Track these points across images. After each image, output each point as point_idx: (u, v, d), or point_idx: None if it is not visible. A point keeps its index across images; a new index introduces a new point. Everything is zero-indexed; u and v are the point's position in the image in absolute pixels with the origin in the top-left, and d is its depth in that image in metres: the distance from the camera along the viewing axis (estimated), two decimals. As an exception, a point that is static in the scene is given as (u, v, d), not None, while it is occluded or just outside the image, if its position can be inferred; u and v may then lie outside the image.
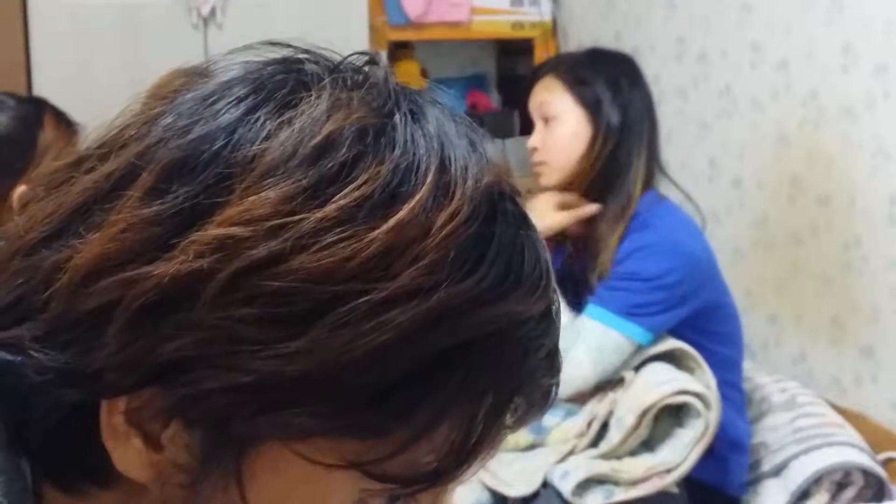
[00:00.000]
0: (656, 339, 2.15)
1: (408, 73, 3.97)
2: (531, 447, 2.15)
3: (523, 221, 0.60)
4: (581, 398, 2.15)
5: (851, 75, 2.70)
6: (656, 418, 2.08)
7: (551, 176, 2.26)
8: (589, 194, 2.25)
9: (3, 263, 0.60)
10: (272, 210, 0.54)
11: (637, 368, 2.14)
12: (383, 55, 3.83)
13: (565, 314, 2.12)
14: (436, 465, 0.58)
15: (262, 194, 0.54)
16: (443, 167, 0.56)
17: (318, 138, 0.56)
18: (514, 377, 0.58)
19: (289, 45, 0.62)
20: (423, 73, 4.07)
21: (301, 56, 0.62)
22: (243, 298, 0.53)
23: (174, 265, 0.54)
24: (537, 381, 0.60)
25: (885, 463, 2.43)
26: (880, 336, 2.65)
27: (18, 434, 0.60)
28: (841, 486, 2.27)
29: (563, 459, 2.10)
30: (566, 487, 2.03)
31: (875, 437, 2.49)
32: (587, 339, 2.10)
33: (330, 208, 0.54)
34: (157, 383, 0.55)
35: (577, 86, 2.25)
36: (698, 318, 2.19)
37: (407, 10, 3.81)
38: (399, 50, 3.97)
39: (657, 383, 2.08)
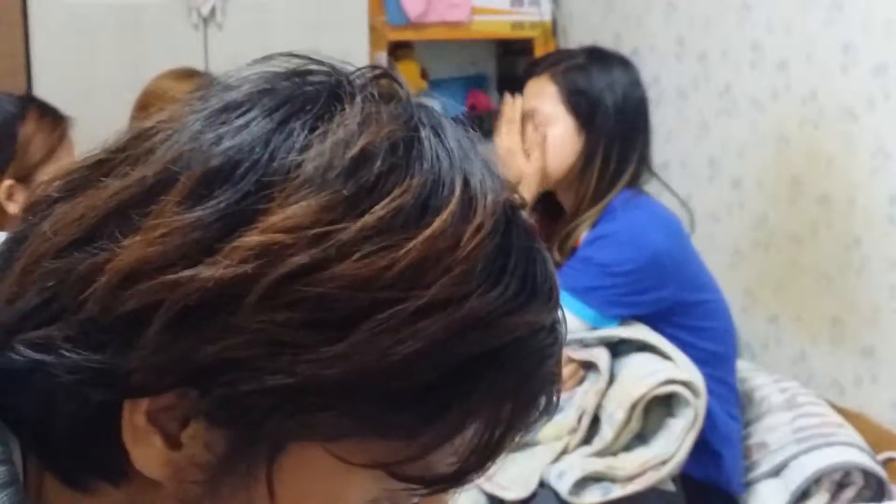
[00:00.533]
0: (610, 322, 2.17)
1: (408, 73, 3.97)
2: (525, 445, 2.15)
3: (532, 235, 0.63)
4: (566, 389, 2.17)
5: (851, 75, 2.70)
6: (647, 410, 2.09)
7: (532, 180, 2.26)
8: (568, 195, 2.28)
9: (30, 265, 0.60)
10: (314, 218, 0.56)
11: (617, 357, 2.15)
12: (383, 56, 3.84)
13: None
14: (457, 467, 0.60)
15: (304, 203, 0.56)
16: (466, 182, 0.59)
17: (355, 150, 0.58)
18: (531, 384, 0.61)
19: (309, 58, 0.64)
20: (423, 73, 4.07)
21: (324, 69, 0.64)
22: (286, 303, 0.55)
23: (218, 269, 0.55)
24: (549, 387, 0.62)
25: (885, 463, 2.43)
26: (880, 336, 2.65)
27: (36, 432, 0.61)
28: (841, 486, 2.27)
29: (557, 459, 2.10)
30: (563, 487, 2.03)
31: (875, 437, 2.49)
32: None
33: (368, 218, 0.56)
34: (190, 384, 0.57)
35: (573, 95, 2.25)
36: (673, 314, 2.20)
37: (407, 10, 3.81)
38: (399, 50, 3.97)
39: (643, 375, 2.09)
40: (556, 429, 2.14)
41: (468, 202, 0.59)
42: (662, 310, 2.19)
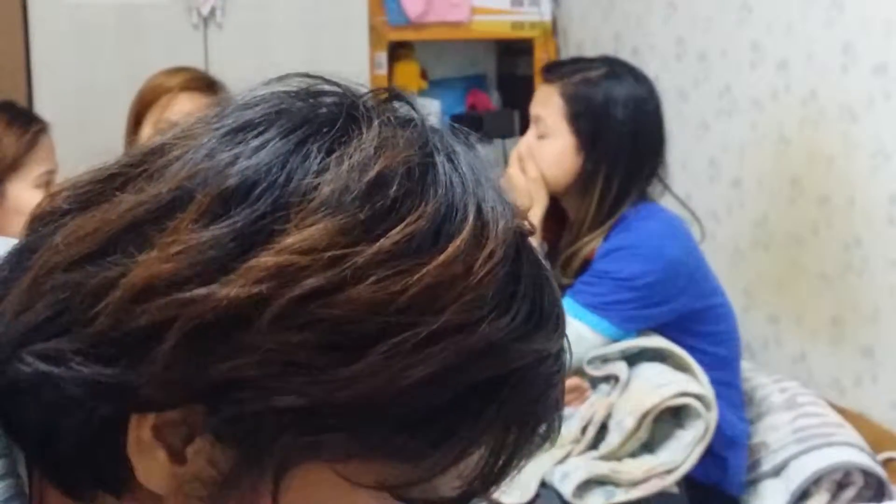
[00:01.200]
0: (628, 335, 2.16)
1: (408, 73, 3.97)
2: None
3: (540, 262, 0.63)
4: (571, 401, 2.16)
5: (851, 75, 2.70)
6: (655, 420, 2.09)
7: (536, 190, 2.25)
8: (571, 205, 2.27)
9: (41, 276, 0.60)
10: (330, 241, 0.56)
11: (631, 366, 2.14)
12: (383, 56, 3.84)
13: None
14: (461, 491, 0.61)
15: (320, 225, 0.57)
16: (479, 208, 0.60)
17: (371, 175, 0.58)
18: (536, 410, 0.62)
19: (323, 78, 0.65)
20: (423, 74, 4.07)
21: (337, 90, 0.64)
22: (300, 324, 0.55)
23: (233, 289, 0.56)
24: (551, 414, 0.64)
25: (885, 463, 2.43)
26: (880, 336, 2.65)
27: (40, 443, 0.61)
28: (841, 486, 2.27)
29: (560, 462, 2.10)
30: (567, 489, 2.03)
31: (875, 437, 2.49)
32: None
33: (384, 243, 0.57)
34: (199, 401, 0.57)
35: (578, 116, 2.22)
36: (686, 321, 2.20)
37: (407, 10, 3.81)
38: (399, 50, 3.97)
39: (656, 385, 2.09)
40: (559, 438, 2.14)
41: (481, 229, 0.59)
42: (675, 318, 2.19)
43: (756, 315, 3.00)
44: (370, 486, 0.58)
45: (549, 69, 2.36)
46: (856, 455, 2.27)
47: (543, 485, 2.08)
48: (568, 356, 0.64)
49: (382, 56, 3.85)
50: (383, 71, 3.86)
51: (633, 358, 2.17)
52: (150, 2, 3.41)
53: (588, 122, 2.22)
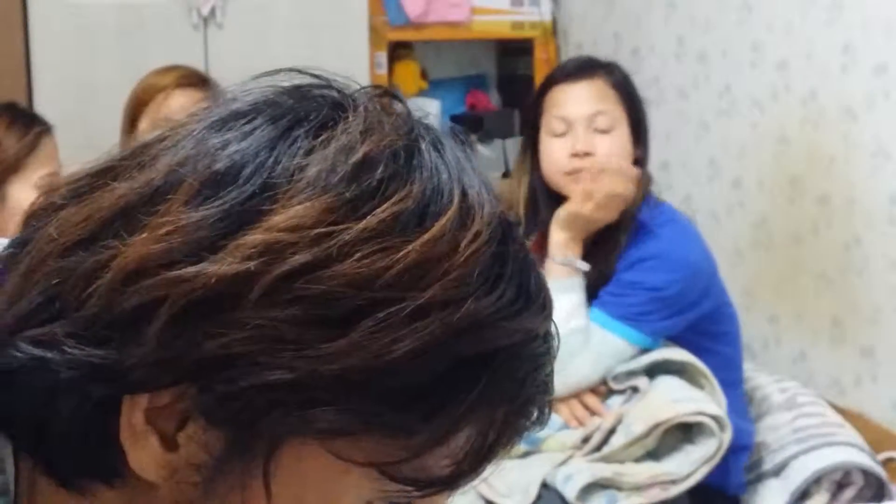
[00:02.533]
0: (657, 343, 2.17)
1: (408, 73, 3.98)
2: (526, 454, 2.15)
3: (527, 248, 0.65)
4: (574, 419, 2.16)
5: (851, 75, 2.70)
6: (665, 432, 2.09)
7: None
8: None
9: (34, 265, 0.61)
10: (317, 219, 0.58)
11: (650, 378, 2.15)
12: (383, 56, 3.84)
13: (580, 318, 2.14)
14: (451, 469, 0.62)
15: (307, 204, 0.58)
16: (464, 192, 0.61)
17: (357, 156, 0.60)
18: (524, 390, 0.62)
19: (314, 74, 0.67)
20: (423, 74, 4.07)
21: (327, 84, 0.66)
22: (288, 300, 0.57)
23: (222, 266, 0.57)
24: (542, 396, 0.64)
25: (885, 463, 2.43)
26: (880, 336, 2.65)
27: (32, 432, 0.62)
28: (841, 486, 2.27)
29: (562, 464, 2.10)
30: (570, 491, 2.02)
31: (875, 437, 2.49)
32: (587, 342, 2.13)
33: (370, 221, 0.58)
34: (191, 380, 0.58)
35: (630, 107, 2.23)
36: (701, 321, 2.21)
37: (407, 10, 3.81)
38: (399, 50, 3.97)
39: (673, 400, 2.09)
40: (559, 444, 2.14)
41: (466, 211, 0.61)
42: (696, 319, 2.20)
43: (756, 315, 3.01)
44: (360, 464, 0.59)
45: (583, 67, 2.30)
46: (856, 455, 2.27)
47: (545, 486, 2.08)
48: (556, 341, 0.65)
49: (382, 56, 3.86)
50: (383, 71, 3.87)
51: (653, 370, 2.17)
52: (151, 2, 3.41)
53: (636, 109, 2.24)
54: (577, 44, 3.90)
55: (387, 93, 0.67)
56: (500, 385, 0.60)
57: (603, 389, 2.18)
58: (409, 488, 0.61)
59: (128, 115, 2.51)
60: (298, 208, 0.58)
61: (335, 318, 0.57)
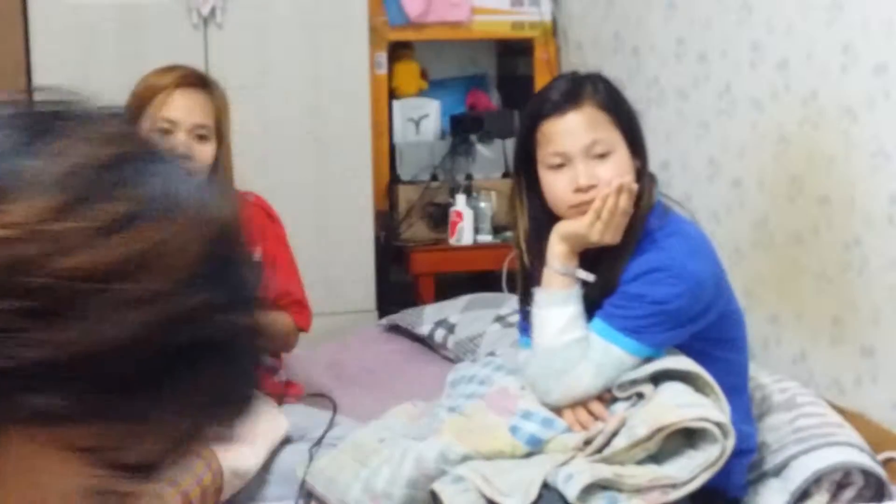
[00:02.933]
0: (661, 353, 2.16)
1: (408, 73, 3.98)
2: (528, 455, 2.15)
3: (244, 251, 0.70)
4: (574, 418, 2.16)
5: (851, 75, 2.70)
6: (667, 436, 2.08)
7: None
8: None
9: None
10: (37, 218, 0.62)
11: (655, 384, 2.15)
12: (383, 55, 3.83)
13: (576, 330, 2.13)
14: (161, 456, 0.66)
15: (26, 203, 0.63)
16: (178, 195, 0.66)
17: (75, 160, 0.65)
18: (231, 382, 0.67)
19: (53, 91, 0.71)
20: (423, 74, 4.07)
21: (53, 97, 0.71)
22: (4, 292, 0.61)
23: None
24: (245, 389, 0.69)
25: (885, 463, 2.43)
26: (880, 336, 2.65)
27: None
28: (841, 486, 2.27)
29: (563, 464, 2.10)
30: (571, 492, 2.02)
31: (875, 437, 2.49)
32: (588, 353, 2.12)
33: (86, 221, 0.63)
34: None
35: (622, 124, 2.19)
36: (706, 329, 2.20)
37: (407, 10, 3.81)
38: (399, 50, 3.97)
39: (677, 405, 2.08)
40: (561, 445, 2.14)
41: (184, 213, 0.65)
42: (702, 328, 2.19)
43: (756, 315, 3.00)
44: (75, 450, 0.63)
45: (568, 97, 2.24)
46: (856, 455, 2.27)
47: (546, 486, 2.08)
48: (261, 340, 0.70)
49: (382, 56, 3.86)
50: (383, 71, 3.87)
51: (658, 378, 2.17)
52: (151, 2, 3.41)
53: (630, 124, 2.22)
54: (577, 44, 3.91)
55: (116, 113, 0.71)
56: (206, 376, 0.65)
57: (608, 396, 2.18)
58: (120, 475, 0.64)
59: (128, 114, 2.51)
60: (17, 205, 0.62)
61: (44, 309, 0.61)
